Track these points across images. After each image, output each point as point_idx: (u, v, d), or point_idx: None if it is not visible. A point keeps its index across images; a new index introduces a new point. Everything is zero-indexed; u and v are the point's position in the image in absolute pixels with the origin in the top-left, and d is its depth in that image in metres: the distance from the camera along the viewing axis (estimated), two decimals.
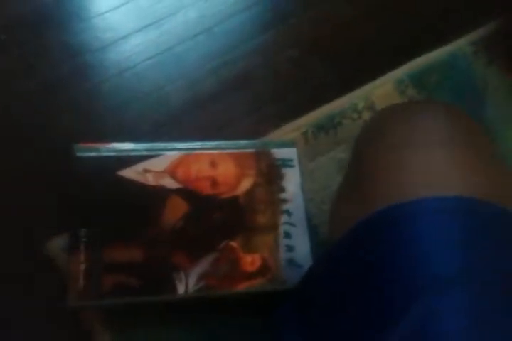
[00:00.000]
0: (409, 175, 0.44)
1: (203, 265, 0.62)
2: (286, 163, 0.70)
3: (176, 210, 0.65)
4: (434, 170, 0.43)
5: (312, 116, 0.83)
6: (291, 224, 0.67)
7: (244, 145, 0.70)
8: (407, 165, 0.45)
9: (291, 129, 0.79)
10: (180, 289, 0.61)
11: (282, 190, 0.68)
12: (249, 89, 0.85)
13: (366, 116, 0.82)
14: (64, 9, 0.91)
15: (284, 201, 0.68)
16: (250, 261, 0.63)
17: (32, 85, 0.82)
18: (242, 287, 0.62)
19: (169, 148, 0.68)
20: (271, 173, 0.69)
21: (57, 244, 0.67)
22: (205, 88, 0.84)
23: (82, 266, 0.60)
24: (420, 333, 0.35)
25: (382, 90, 0.86)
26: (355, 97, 0.85)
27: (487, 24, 0.93)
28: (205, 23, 0.90)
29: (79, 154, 0.64)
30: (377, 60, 0.89)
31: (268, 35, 0.90)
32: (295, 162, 0.71)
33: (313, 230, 0.69)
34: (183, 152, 0.68)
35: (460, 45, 0.91)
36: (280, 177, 0.69)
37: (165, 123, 0.80)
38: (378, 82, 0.86)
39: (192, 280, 0.61)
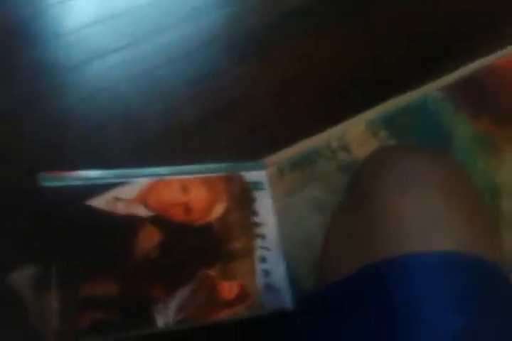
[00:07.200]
0: (405, 228, 0.45)
1: (181, 295, 0.60)
2: (256, 186, 0.70)
3: (149, 239, 0.62)
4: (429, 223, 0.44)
5: (288, 152, 0.81)
6: (266, 248, 0.66)
7: (214, 169, 0.69)
8: (400, 215, 0.45)
9: (267, 164, 0.78)
10: (160, 322, 0.58)
11: (255, 213, 0.68)
12: (232, 121, 0.83)
13: (341, 155, 0.82)
14: (36, 26, 0.88)
15: (258, 225, 0.67)
16: (228, 289, 0.62)
17: None
18: (223, 315, 0.60)
19: (138, 174, 0.66)
20: (243, 197, 0.68)
21: (22, 276, 0.62)
22: (185, 119, 0.82)
23: (55, 304, 0.56)
24: None
25: (355, 130, 0.86)
26: (330, 136, 0.85)
27: (455, 70, 0.96)
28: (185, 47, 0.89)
29: (44, 184, 0.61)
30: (352, 99, 0.90)
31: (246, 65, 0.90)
32: (265, 185, 0.70)
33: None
34: (153, 178, 0.66)
35: (429, 89, 0.93)
36: (252, 200, 0.69)
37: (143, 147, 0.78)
38: (353, 121, 0.87)
39: (171, 312, 0.59)
